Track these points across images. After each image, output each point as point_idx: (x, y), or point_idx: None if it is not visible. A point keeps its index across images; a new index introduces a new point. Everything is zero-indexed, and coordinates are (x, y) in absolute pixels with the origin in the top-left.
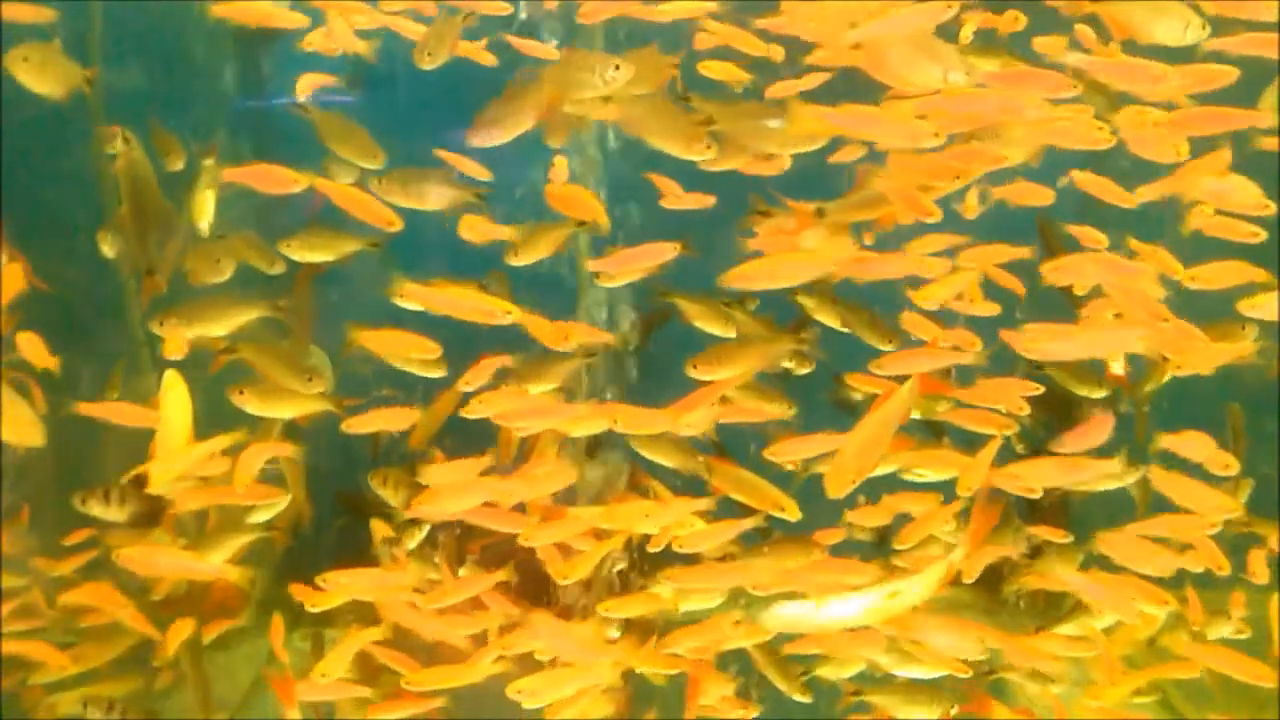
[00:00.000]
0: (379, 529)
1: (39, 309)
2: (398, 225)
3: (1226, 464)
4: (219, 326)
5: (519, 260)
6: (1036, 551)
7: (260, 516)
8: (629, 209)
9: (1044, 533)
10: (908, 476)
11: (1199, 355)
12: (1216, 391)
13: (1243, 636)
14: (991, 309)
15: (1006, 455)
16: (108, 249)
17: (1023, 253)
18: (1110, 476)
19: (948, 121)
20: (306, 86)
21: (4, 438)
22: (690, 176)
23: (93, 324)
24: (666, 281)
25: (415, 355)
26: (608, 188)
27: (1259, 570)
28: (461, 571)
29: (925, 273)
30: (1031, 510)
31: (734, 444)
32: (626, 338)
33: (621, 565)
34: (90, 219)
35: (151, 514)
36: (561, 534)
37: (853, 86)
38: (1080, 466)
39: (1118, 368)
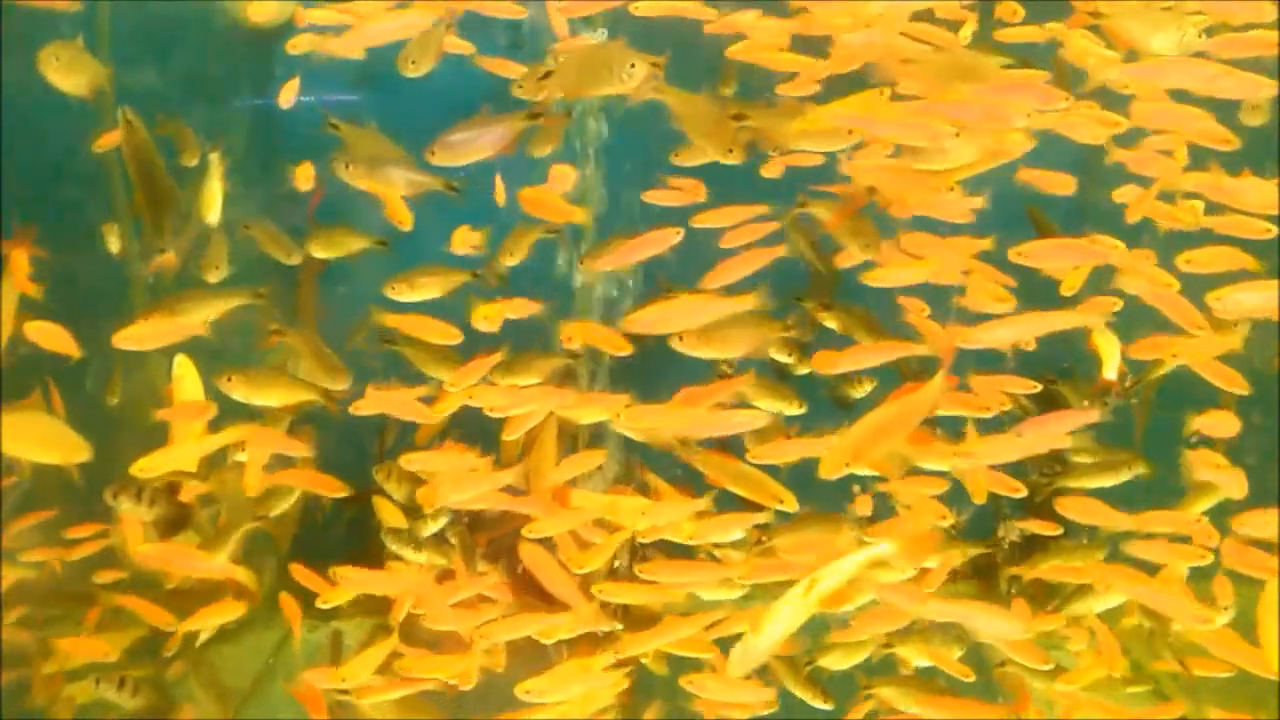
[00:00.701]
0: (385, 513)
1: (48, 302)
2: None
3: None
4: (200, 316)
5: (511, 260)
6: (1029, 544)
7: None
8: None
9: (1034, 526)
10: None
11: (1195, 348)
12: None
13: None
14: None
15: None
16: (114, 244)
17: (985, 244)
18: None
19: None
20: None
21: (51, 461)
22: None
23: (99, 315)
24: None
25: (439, 339)
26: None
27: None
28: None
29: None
30: (1026, 505)
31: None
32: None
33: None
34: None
35: (179, 519)
36: (570, 524)
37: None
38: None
39: (1112, 372)
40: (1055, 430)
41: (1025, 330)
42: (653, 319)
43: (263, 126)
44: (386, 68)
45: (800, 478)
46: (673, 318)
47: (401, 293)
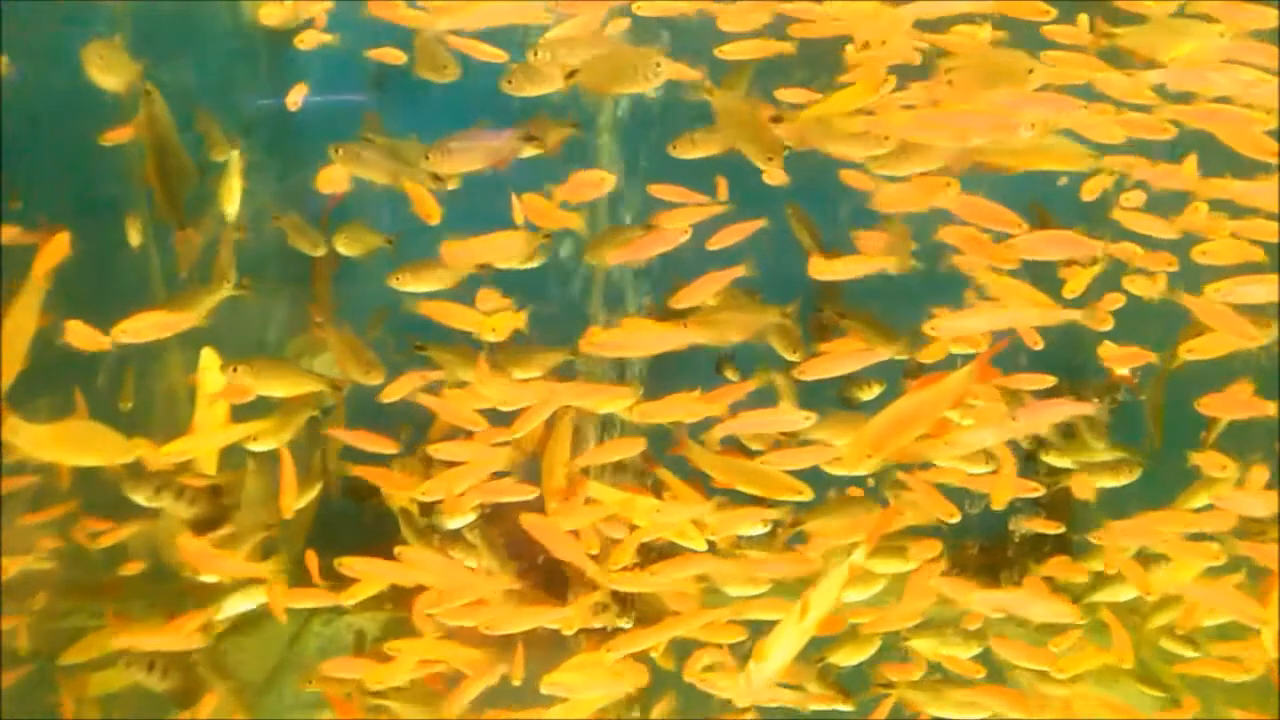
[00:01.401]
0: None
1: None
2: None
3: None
4: (190, 308)
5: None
6: (1036, 543)
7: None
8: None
9: (1039, 525)
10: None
11: (1211, 341)
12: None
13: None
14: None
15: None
16: (135, 237)
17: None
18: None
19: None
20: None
21: (100, 464)
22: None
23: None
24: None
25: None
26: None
27: None
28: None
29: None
30: (1035, 504)
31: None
32: None
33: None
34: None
35: (214, 519)
36: (588, 518)
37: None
38: None
39: (1123, 370)
40: (1048, 418)
41: (1005, 322)
42: (610, 343)
43: (280, 125)
44: (399, 69)
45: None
46: (629, 343)
47: (406, 283)
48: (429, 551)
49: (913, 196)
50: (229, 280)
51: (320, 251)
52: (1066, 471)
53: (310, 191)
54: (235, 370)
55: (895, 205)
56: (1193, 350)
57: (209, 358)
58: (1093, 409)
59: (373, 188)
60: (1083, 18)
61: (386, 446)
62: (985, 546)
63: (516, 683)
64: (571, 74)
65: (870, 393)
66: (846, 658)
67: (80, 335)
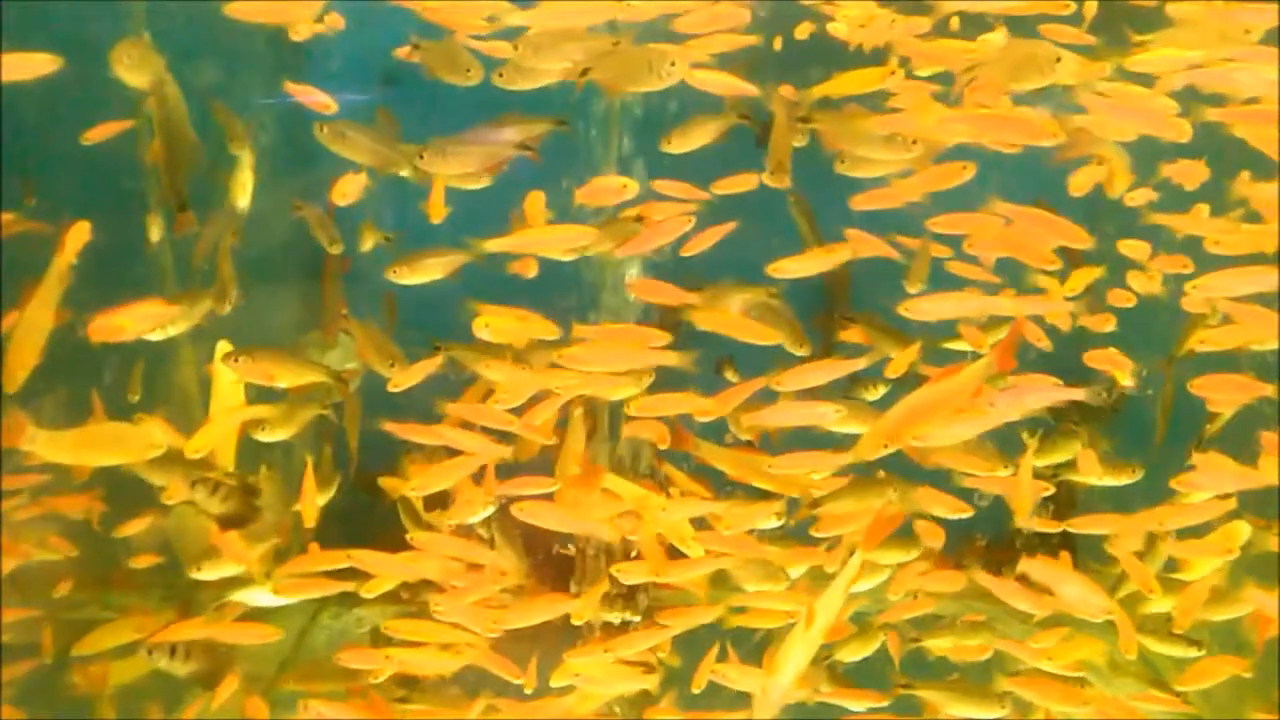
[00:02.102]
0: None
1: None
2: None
3: None
4: (184, 321)
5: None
6: (1033, 541)
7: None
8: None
9: (1039, 524)
10: None
11: (1224, 334)
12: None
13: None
14: None
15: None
16: (155, 233)
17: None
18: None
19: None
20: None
21: (124, 461)
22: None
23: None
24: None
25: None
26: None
27: None
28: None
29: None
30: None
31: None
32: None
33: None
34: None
35: (242, 517)
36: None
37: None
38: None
39: (1125, 378)
40: (1031, 403)
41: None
42: (582, 355)
43: (292, 124)
44: (408, 68)
45: None
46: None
47: (403, 275)
48: (444, 536)
49: (931, 181)
50: (229, 299)
51: (338, 249)
52: (1070, 464)
53: (320, 189)
54: (237, 360)
55: (912, 194)
56: (1205, 341)
57: (225, 349)
58: (1082, 394)
59: (373, 188)
60: (1090, 6)
61: (434, 438)
62: (992, 542)
63: (529, 691)
64: (585, 72)
65: (875, 393)
66: (852, 653)
67: (104, 330)
